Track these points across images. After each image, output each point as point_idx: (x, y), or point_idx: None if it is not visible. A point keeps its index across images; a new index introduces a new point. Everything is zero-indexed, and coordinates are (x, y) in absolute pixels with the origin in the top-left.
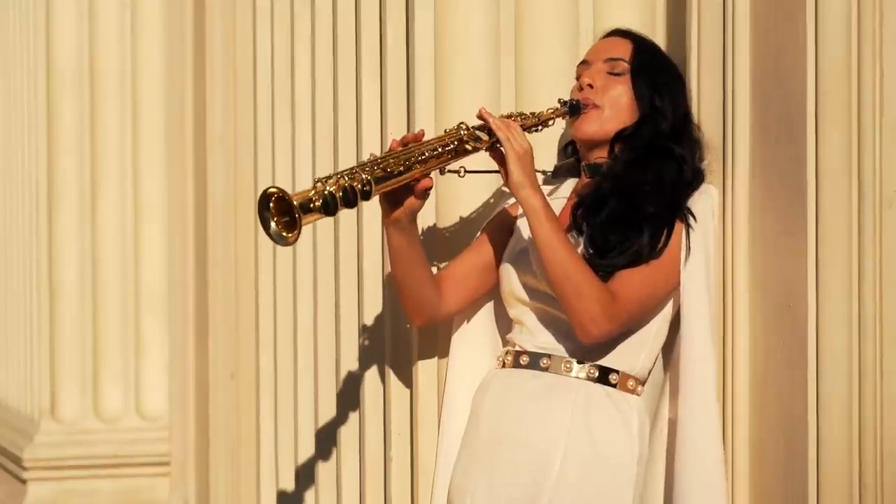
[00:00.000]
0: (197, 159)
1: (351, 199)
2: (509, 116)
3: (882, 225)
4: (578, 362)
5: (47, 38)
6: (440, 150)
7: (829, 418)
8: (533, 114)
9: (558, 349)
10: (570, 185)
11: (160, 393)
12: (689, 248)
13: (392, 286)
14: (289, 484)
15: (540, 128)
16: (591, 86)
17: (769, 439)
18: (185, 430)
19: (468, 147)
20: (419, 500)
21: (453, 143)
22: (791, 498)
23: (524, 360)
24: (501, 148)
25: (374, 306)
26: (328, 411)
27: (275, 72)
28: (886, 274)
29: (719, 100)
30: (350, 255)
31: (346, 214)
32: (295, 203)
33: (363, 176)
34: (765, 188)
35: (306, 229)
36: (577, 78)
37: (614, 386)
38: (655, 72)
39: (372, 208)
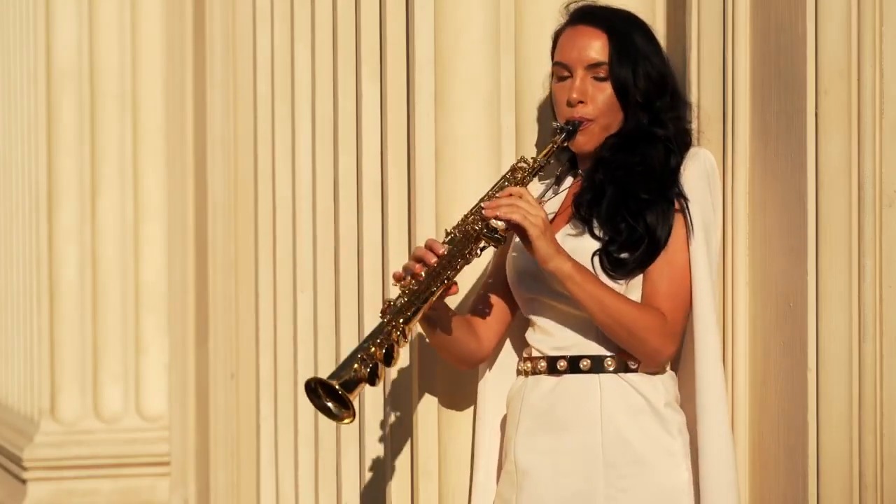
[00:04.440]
0: (197, 159)
1: (392, 355)
2: (512, 171)
3: (882, 225)
4: (594, 357)
5: (47, 38)
6: (460, 263)
7: (829, 418)
8: (534, 158)
9: (573, 348)
10: (570, 179)
11: (160, 393)
12: (692, 227)
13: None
14: (289, 484)
15: (545, 166)
16: (582, 102)
17: (769, 439)
18: (185, 430)
19: (489, 246)
20: (419, 500)
21: (471, 247)
22: (791, 498)
23: (542, 366)
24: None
25: (374, 306)
26: None
27: (275, 72)
28: (886, 274)
29: (719, 99)
30: (350, 254)
31: (346, 213)
32: (337, 386)
33: (396, 332)
34: (765, 188)
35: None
36: (559, 78)
37: (635, 370)
38: (633, 60)
39: (372, 206)
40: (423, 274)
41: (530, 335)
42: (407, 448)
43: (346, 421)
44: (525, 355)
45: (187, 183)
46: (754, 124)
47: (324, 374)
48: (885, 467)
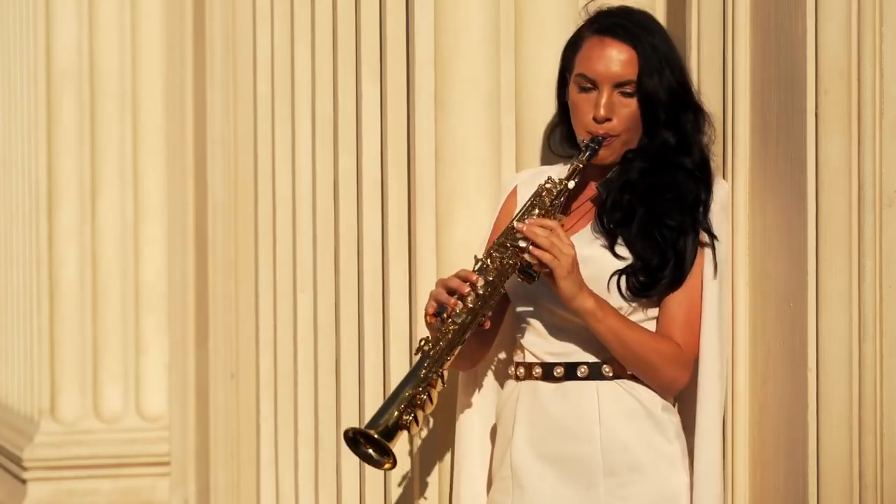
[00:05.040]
0: (197, 159)
1: (432, 399)
2: (539, 195)
3: (882, 225)
4: (592, 364)
5: (47, 38)
6: (495, 299)
7: (829, 418)
8: (561, 180)
9: (571, 355)
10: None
11: (160, 393)
12: (717, 266)
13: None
14: (289, 484)
15: (571, 188)
16: (609, 119)
17: (769, 439)
18: (185, 430)
19: (521, 280)
20: (419, 500)
21: (504, 282)
22: (791, 498)
23: (537, 371)
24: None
25: (374, 306)
26: (328, 411)
27: (275, 72)
28: (886, 274)
29: (719, 100)
30: (350, 254)
31: (346, 213)
32: (376, 436)
33: (436, 377)
34: (765, 188)
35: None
36: (581, 88)
37: (631, 376)
38: (659, 74)
39: (372, 206)
40: (458, 310)
41: (526, 338)
42: (407, 448)
43: (387, 467)
44: (517, 360)
45: (187, 183)
46: (754, 124)
47: (355, 421)
48: (885, 467)
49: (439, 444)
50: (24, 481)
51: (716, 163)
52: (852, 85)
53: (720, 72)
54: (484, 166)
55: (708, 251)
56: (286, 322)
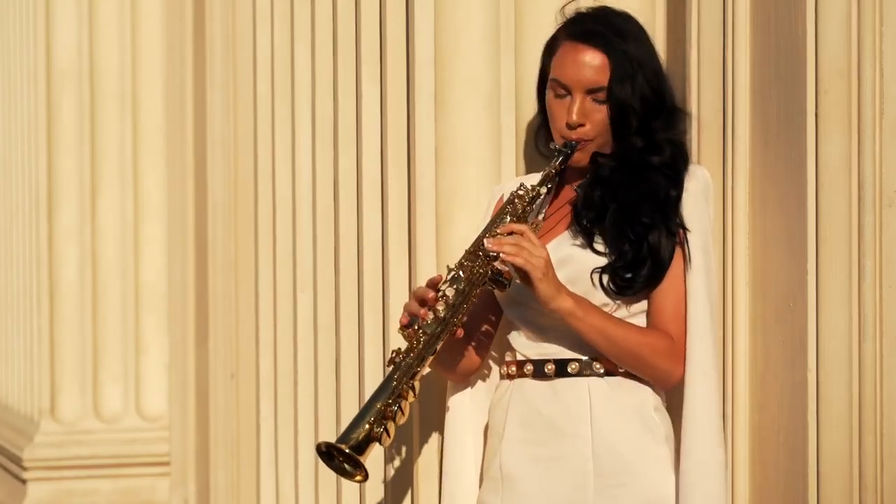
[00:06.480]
0: (197, 159)
1: (404, 412)
2: (511, 202)
3: (882, 225)
4: (582, 360)
5: (47, 38)
6: (465, 309)
7: (829, 418)
8: (533, 186)
9: (561, 352)
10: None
11: (160, 393)
12: (691, 260)
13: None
14: (289, 484)
15: (544, 194)
16: (583, 124)
17: (769, 439)
18: (185, 430)
19: (493, 289)
20: (419, 500)
21: (476, 291)
22: (791, 498)
23: (528, 368)
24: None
25: (374, 306)
26: (328, 411)
27: (275, 72)
28: (886, 274)
29: (719, 100)
30: (350, 255)
31: (346, 213)
32: (347, 450)
33: (407, 389)
34: (765, 188)
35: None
36: (556, 94)
37: (622, 375)
38: (631, 80)
39: (372, 206)
40: (428, 320)
41: (516, 339)
42: (407, 449)
43: (358, 479)
44: (509, 359)
45: (187, 183)
46: (754, 124)
47: (330, 430)
48: (885, 467)
49: (440, 446)
50: (24, 481)
51: (690, 154)
52: (852, 85)
53: (720, 72)
54: (484, 166)
55: (686, 238)
56: (286, 322)
